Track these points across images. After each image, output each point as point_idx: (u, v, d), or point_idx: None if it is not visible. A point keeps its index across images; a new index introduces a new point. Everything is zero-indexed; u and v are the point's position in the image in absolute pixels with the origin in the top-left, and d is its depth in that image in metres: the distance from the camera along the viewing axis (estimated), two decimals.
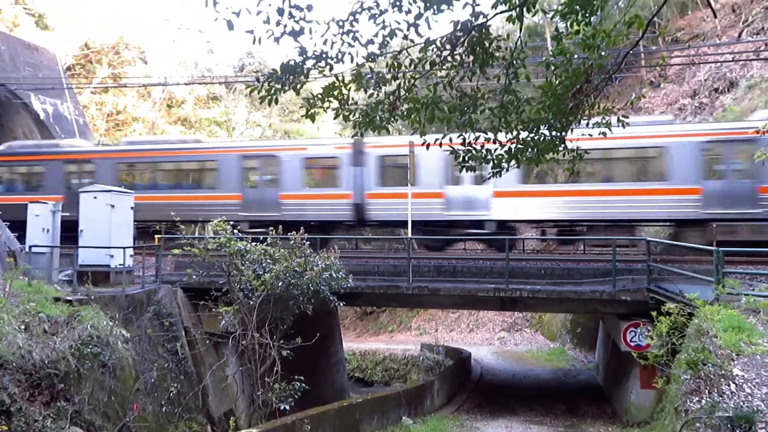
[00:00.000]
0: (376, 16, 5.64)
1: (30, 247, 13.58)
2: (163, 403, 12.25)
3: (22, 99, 29.96)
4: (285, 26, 5.53)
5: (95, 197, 14.11)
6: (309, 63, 5.80)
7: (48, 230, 14.45)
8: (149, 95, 47.49)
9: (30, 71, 31.56)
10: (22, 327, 9.45)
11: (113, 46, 45.44)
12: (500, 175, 7.48)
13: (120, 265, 13.68)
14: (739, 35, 28.11)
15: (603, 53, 6.01)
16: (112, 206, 13.99)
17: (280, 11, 5.46)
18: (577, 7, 5.56)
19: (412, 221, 17.55)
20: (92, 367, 9.79)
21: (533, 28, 34.44)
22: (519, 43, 6.14)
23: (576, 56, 6.45)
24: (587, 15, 5.67)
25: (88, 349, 9.69)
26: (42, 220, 14.39)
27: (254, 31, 5.56)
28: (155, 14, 48.80)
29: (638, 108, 28.31)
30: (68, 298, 11.34)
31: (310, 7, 5.53)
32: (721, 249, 10.03)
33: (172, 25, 48.32)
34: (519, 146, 6.94)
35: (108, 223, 13.89)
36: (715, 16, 29.23)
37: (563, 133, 6.79)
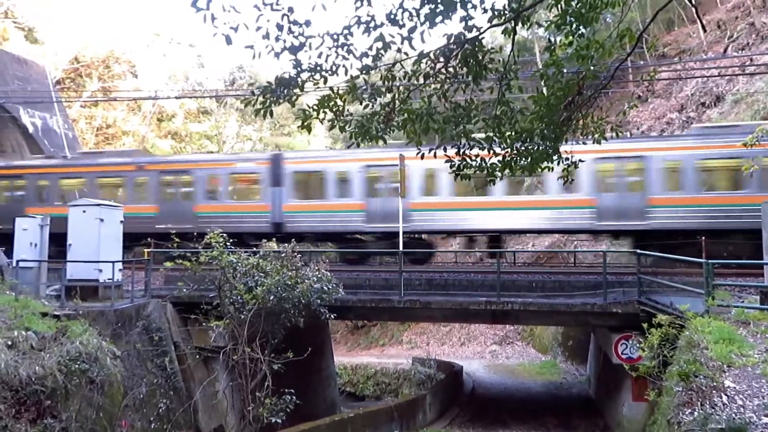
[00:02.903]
0: (371, 29, 5.68)
1: (17, 261, 13.42)
2: (152, 419, 12.08)
3: (11, 112, 29.79)
4: (284, 41, 5.56)
5: (84, 211, 13.98)
6: (304, 75, 5.82)
7: (36, 244, 14.27)
8: (139, 109, 47.39)
9: (19, 85, 31.43)
10: (9, 343, 9.30)
11: (103, 60, 45.41)
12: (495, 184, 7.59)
13: (109, 279, 13.52)
14: (725, 50, 28.58)
15: (595, 65, 6.08)
16: (101, 220, 13.85)
17: (280, 27, 5.49)
18: (571, 19, 5.63)
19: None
20: (80, 384, 9.63)
21: (522, 43, 34.80)
22: (511, 55, 6.21)
23: (565, 70, 6.51)
24: (580, 27, 5.74)
25: (76, 365, 9.54)
26: (30, 234, 14.23)
27: (254, 46, 5.58)
28: (146, 28, 48.79)
29: (626, 122, 28.61)
30: (56, 313, 11.17)
31: (308, 23, 5.57)
32: (710, 261, 10.09)
33: (162, 39, 48.46)
34: (513, 156, 6.98)
35: (97, 237, 13.75)
36: (705, 31, 29.69)
37: (556, 144, 6.84)
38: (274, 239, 15.73)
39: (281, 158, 20.10)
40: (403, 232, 18.05)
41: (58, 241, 14.61)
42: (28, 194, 22.26)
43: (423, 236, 18.95)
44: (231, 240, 13.39)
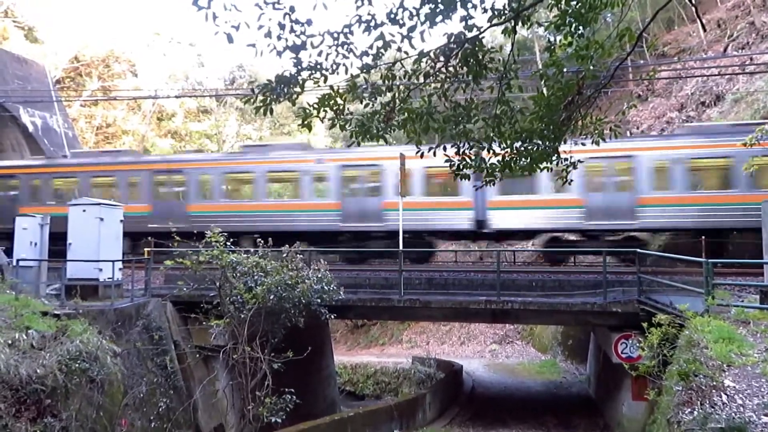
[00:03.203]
0: (371, 28, 5.69)
1: (17, 260, 13.42)
2: (152, 418, 12.08)
3: (11, 112, 29.77)
4: (286, 40, 5.58)
5: (84, 210, 13.98)
6: (304, 74, 5.83)
7: (36, 244, 14.28)
8: (139, 108, 47.39)
9: (19, 84, 31.42)
10: (9, 342, 9.30)
11: (103, 59, 45.38)
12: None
13: (109, 278, 13.52)
14: (725, 50, 28.58)
15: (594, 65, 6.08)
16: (101, 219, 13.85)
17: (281, 26, 5.50)
18: (571, 19, 5.63)
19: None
20: (80, 383, 9.63)
21: (522, 42, 34.80)
22: (511, 55, 6.21)
23: (565, 70, 6.51)
24: (579, 27, 5.74)
25: (76, 364, 9.54)
26: (30, 233, 14.23)
27: (256, 45, 5.60)
28: (146, 27, 48.79)
29: (627, 122, 28.62)
30: (56, 312, 11.17)
31: (309, 22, 5.59)
32: (710, 261, 10.09)
33: (162, 39, 48.42)
34: (513, 156, 6.98)
35: (97, 237, 13.76)
36: (705, 30, 29.68)
37: (556, 144, 6.84)
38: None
39: None
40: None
41: (52, 241, 14.65)
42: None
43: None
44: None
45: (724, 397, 6.65)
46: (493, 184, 7.65)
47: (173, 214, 19.51)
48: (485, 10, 5.95)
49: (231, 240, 13.41)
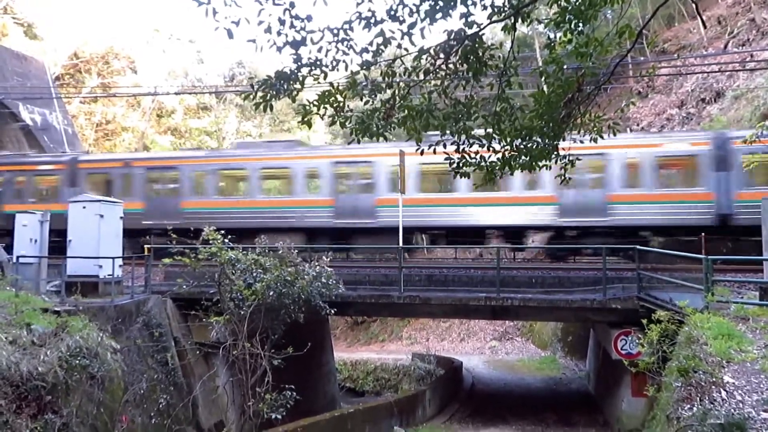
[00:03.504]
0: (371, 25, 5.69)
1: (17, 257, 13.42)
2: (152, 414, 12.10)
3: (10, 108, 29.76)
4: (286, 36, 5.57)
5: (84, 207, 13.98)
6: (304, 70, 5.83)
7: (36, 240, 14.29)
8: (139, 105, 47.34)
9: (18, 81, 31.40)
10: (9, 338, 9.31)
11: (102, 56, 45.30)
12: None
13: (109, 275, 13.53)
14: (725, 46, 28.53)
15: (594, 62, 6.07)
16: (101, 216, 13.85)
17: (281, 21, 5.50)
18: (570, 16, 5.62)
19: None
20: (80, 379, 9.64)
21: (523, 39, 34.77)
22: (511, 52, 6.20)
23: (566, 66, 6.51)
24: (579, 24, 5.74)
25: (77, 361, 9.55)
26: (30, 230, 14.23)
27: (256, 41, 5.60)
28: (145, 24, 48.72)
29: (627, 118, 28.59)
30: (56, 308, 11.19)
31: (309, 18, 5.58)
32: (710, 257, 10.10)
33: (162, 35, 48.34)
34: (512, 153, 6.98)
35: (97, 234, 13.76)
36: (705, 27, 29.62)
37: (555, 141, 6.84)
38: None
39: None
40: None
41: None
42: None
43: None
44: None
45: (724, 393, 6.66)
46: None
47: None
48: (485, 7, 5.94)
49: (229, 237, 13.44)
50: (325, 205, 19.06)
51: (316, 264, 13.68)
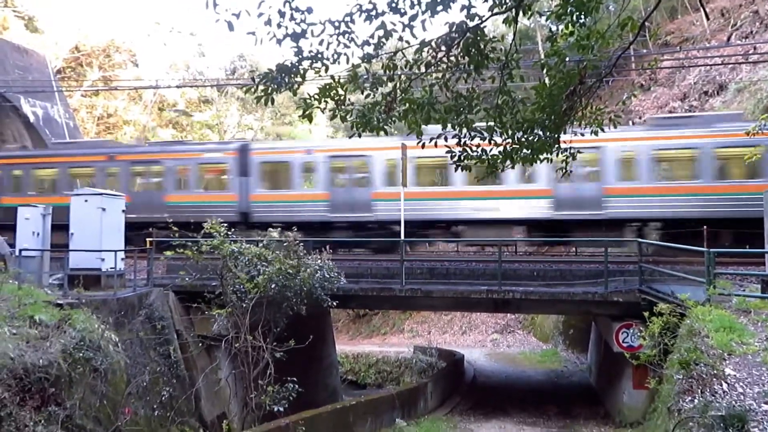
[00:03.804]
0: (372, 17, 5.67)
1: (20, 250, 13.46)
2: (155, 407, 12.16)
3: (12, 102, 29.76)
4: (286, 28, 5.56)
5: (86, 200, 14.00)
6: (305, 63, 5.82)
7: (38, 234, 14.32)
8: (140, 98, 47.30)
9: (20, 74, 31.37)
10: (13, 331, 9.35)
11: (104, 49, 45.26)
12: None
13: (111, 268, 13.57)
14: (729, 39, 28.38)
15: (596, 54, 6.05)
16: (103, 209, 13.87)
17: (281, 14, 5.49)
18: (572, 9, 5.60)
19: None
20: (84, 372, 9.68)
21: (524, 32, 34.62)
22: (513, 44, 6.18)
23: (568, 59, 6.48)
24: (581, 16, 5.71)
25: (80, 354, 9.59)
26: (32, 223, 14.26)
27: (256, 33, 5.59)
28: (146, 17, 48.68)
29: (629, 111, 28.50)
30: (59, 301, 11.21)
31: (310, 10, 5.57)
32: (712, 250, 10.10)
33: (163, 28, 48.28)
34: (514, 146, 6.96)
35: (99, 227, 13.79)
36: (708, 19, 29.46)
37: (557, 134, 6.82)
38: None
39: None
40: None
41: None
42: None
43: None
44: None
45: (725, 386, 6.68)
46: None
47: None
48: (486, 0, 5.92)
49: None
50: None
51: (317, 257, 13.70)
